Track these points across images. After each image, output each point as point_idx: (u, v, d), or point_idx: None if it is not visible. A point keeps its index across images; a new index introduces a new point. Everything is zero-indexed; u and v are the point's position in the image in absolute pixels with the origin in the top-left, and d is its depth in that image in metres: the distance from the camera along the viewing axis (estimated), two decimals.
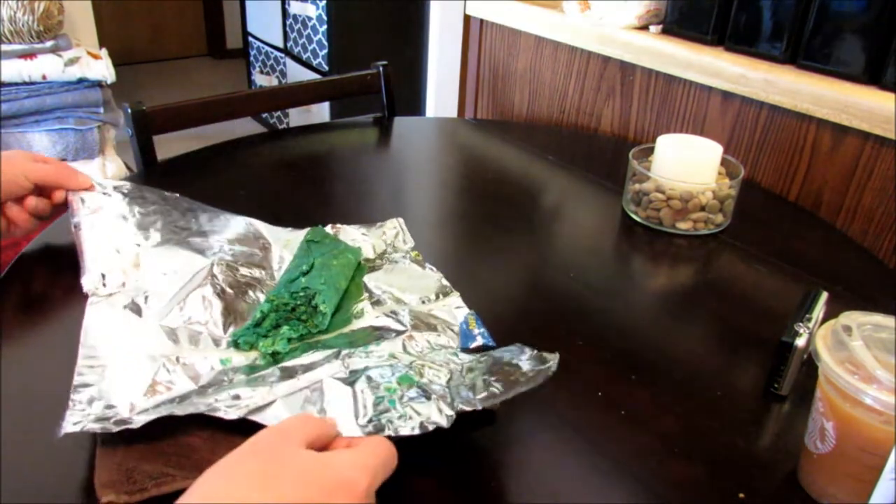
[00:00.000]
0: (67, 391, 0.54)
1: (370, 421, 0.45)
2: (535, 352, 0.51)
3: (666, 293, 0.75)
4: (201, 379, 0.53)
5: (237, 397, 0.48)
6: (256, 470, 0.36)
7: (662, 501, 0.47)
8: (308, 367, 0.53)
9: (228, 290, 0.62)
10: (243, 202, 0.87)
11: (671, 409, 0.56)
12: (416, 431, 0.44)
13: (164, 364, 0.53)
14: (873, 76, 0.89)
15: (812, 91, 0.91)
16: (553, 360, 0.49)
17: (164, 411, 0.48)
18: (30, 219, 0.69)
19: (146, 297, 0.60)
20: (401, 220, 0.80)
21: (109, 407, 0.49)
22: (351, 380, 0.49)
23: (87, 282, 0.61)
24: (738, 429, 0.54)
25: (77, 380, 0.50)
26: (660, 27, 1.12)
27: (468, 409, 0.46)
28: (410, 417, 0.45)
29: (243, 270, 0.65)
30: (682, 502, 0.47)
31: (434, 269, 0.71)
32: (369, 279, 0.67)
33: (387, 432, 0.44)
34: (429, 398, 0.47)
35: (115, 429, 0.46)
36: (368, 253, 0.73)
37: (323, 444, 0.42)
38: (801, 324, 0.56)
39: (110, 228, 0.67)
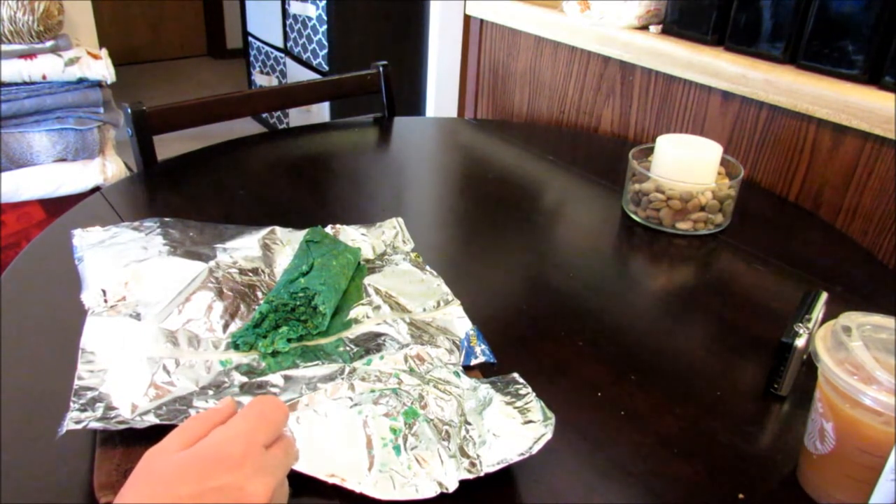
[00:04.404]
0: (67, 391, 0.54)
1: (380, 471, 0.46)
2: (533, 397, 0.52)
3: (666, 293, 0.75)
4: (201, 380, 0.53)
5: (239, 405, 0.49)
6: (138, 493, 0.36)
7: (662, 501, 0.47)
8: (312, 383, 0.53)
9: (227, 291, 0.62)
10: (243, 202, 0.87)
11: (671, 409, 0.56)
12: (419, 497, 0.45)
13: (164, 366, 0.53)
14: (873, 76, 0.89)
15: (812, 91, 0.91)
16: (549, 426, 0.49)
17: (166, 416, 0.48)
18: None
19: (145, 305, 0.60)
20: (400, 219, 0.80)
21: (111, 408, 0.49)
22: (357, 408, 0.49)
23: (88, 297, 0.61)
24: (737, 429, 0.54)
25: (77, 383, 0.50)
26: (660, 27, 1.12)
27: (471, 477, 0.46)
28: (416, 475, 0.46)
29: (243, 272, 0.65)
30: (682, 502, 0.47)
31: (434, 272, 0.71)
32: (369, 281, 0.67)
33: (387, 495, 0.45)
34: (431, 443, 0.48)
35: (117, 427, 0.46)
36: (368, 253, 0.73)
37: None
38: (800, 324, 0.56)
39: (112, 251, 0.67)
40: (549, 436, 0.48)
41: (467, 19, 1.46)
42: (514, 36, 1.36)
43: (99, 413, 0.48)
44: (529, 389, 0.53)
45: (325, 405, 0.50)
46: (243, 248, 0.69)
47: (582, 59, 1.24)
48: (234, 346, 0.57)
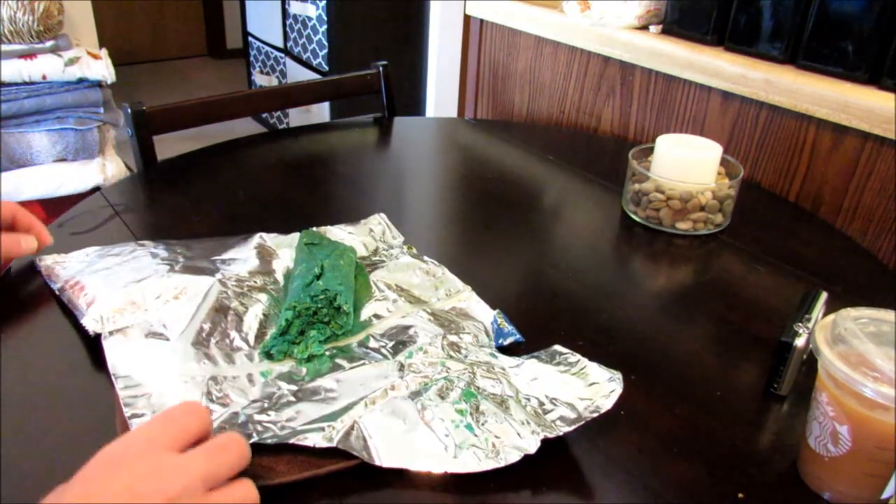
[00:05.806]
0: (66, 391, 0.54)
1: (462, 449, 0.47)
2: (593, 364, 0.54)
3: (665, 293, 0.75)
4: (251, 394, 0.52)
5: (315, 422, 0.49)
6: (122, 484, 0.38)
7: (662, 501, 0.47)
8: (366, 383, 0.53)
9: (245, 302, 0.61)
10: (243, 202, 0.87)
11: (671, 409, 0.56)
12: (506, 463, 0.47)
13: (209, 384, 0.52)
14: (873, 76, 0.89)
15: (812, 91, 0.91)
16: (616, 381, 0.52)
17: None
18: None
19: (164, 325, 0.57)
20: (383, 215, 0.80)
21: None
22: (419, 400, 0.51)
23: (91, 322, 0.58)
24: (737, 429, 0.54)
25: (127, 411, 0.49)
26: (660, 27, 1.12)
27: (552, 436, 0.48)
28: (494, 445, 0.48)
29: (252, 282, 0.64)
30: (682, 502, 0.47)
31: (434, 262, 0.72)
32: (375, 277, 0.67)
33: (480, 467, 0.47)
34: (498, 416, 0.49)
35: None
36: (361, 251, 0.73)
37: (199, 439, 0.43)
38: (800, 324, 0.56)
39: (100, 276, 0.64)
40: (619, 390, 0.51)
41: (467, 19, 1.46)
42: (514, 36, 1.36)
43: None
44: (579, 357, 0.55)
45: (389, 403, 0.50)
46: (241, 258, 0.68)
47: (582, 59, 1.24)
48: (268, 355, 0.56)
